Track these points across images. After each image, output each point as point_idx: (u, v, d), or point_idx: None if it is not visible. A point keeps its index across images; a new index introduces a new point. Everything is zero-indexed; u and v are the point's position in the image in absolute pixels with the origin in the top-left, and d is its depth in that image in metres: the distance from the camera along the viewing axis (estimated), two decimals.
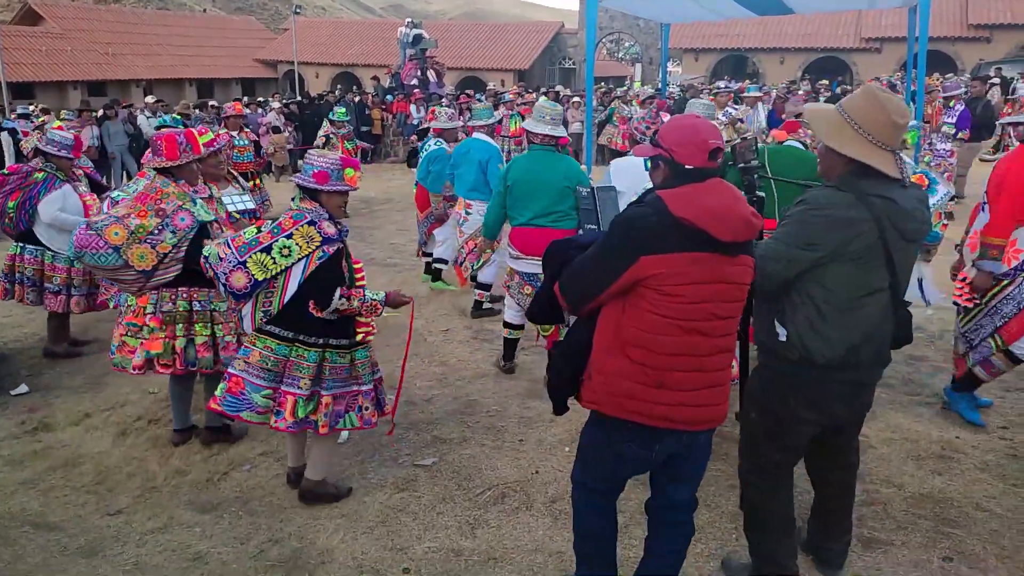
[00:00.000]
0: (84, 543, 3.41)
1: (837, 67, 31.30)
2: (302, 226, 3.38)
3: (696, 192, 2.26)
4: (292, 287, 3.38)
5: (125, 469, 4.12)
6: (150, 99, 16.08)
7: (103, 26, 29.96)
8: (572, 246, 2.54)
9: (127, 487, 3.95)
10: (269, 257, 3.34)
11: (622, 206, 2.75)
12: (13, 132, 11.27)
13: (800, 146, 4.56)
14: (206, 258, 3.44)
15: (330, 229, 3.40)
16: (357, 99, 19.19)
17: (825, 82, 21.53)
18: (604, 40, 37.30)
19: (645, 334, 2.30)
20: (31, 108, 14.68)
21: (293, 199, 3.52)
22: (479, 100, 17.82)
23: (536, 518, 3.52)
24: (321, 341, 3.50)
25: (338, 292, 3.42)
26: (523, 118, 16.46)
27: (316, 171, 3.43)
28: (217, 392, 3.55)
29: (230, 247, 3.40)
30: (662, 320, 2.28)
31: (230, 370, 3.54)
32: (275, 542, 3.42)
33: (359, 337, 3.58)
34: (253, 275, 3.34)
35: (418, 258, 7.89)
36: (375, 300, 3.50)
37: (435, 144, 7.23)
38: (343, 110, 11.45)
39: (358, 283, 3.57)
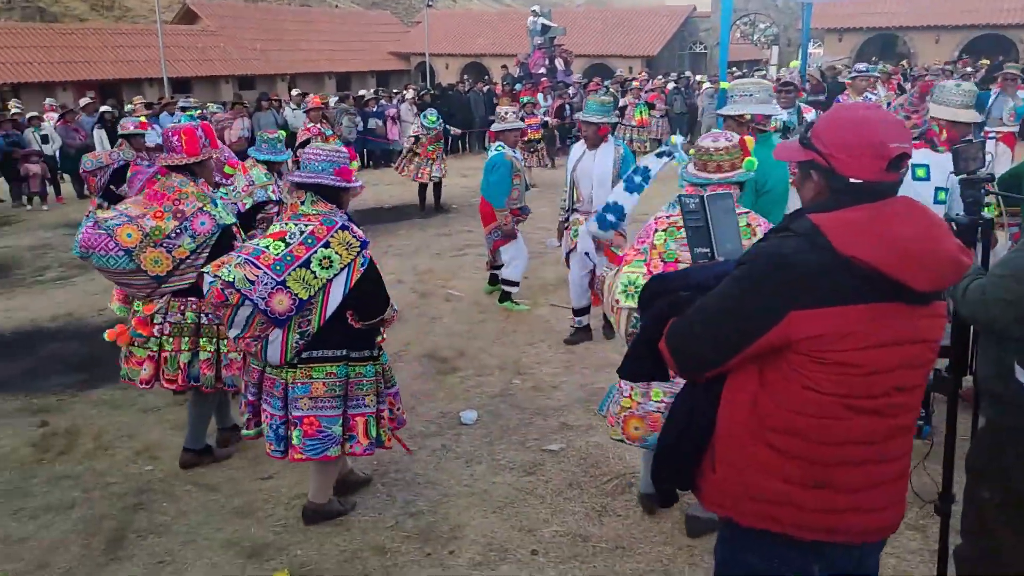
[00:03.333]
0: (239, 504, 3.69)
1: (1000, 46, 28.62)
2: (337, 232, 3.08)
3: (874, 219, 1.59)
4: (334, 301, 3.09)
5: None
6: (295, 92, 17.03)
7: (252, 23, 31.90)
8: (681, 282, 1.92)
9: None
10: (309, 272, 3.01)
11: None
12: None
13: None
14: (230, 283, 2.97)
15: (360, 232, 3.15)
16: (486, 88, 19.49)
17: (986, 62, 19.78)
18: (738, 22, 35.87)
19: (798, 417, 1.65)
20: (191, 100, 15.88)
21: (303, 203, 3.19)
22: (604, 88, 17.56)
23: (665, 510, 3.49)
24: (368, 353, 3.30)
25: (391, 308, 3.24)
26: (649, 106, 16.15)
27: (338, 168, 3.14)
28: (294, 441, 3.21)
29: (258, 266, 2.99)
30: (824, 399, 1.63)
31: (296, 413, 3.20)
32: (410, 515, 3.57)
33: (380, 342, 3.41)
34: (296, 295, 2.99)
35: (486, 271, 7.27)
36: (394, 309, 3.39)
37: (496, 149, 6.45)
38: (433, 117, 11.27)
39: None
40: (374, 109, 16.44)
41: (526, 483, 3.80)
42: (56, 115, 14.49)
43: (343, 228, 3.10)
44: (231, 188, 4.79)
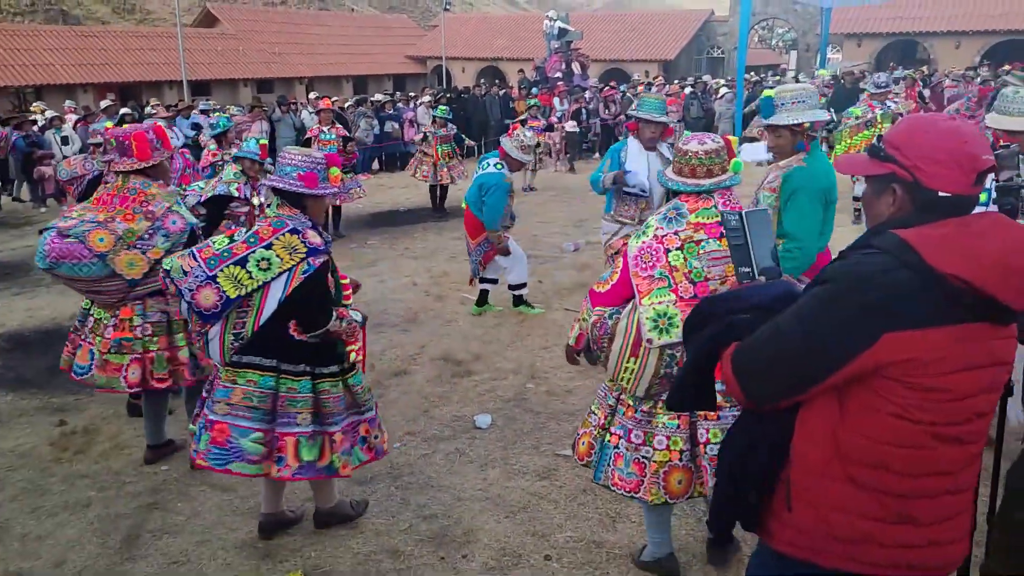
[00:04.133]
0: (253, 505, 3.69)
1: (1021, 52, 28.30)
2: (283, 235, 2.95)
3: (964, 233, 1.51)
4: (270, 306, 2.96)
5: None
6: (312, 95, 17.13)
7: (271, 27, 32.17)
8: (735, 304, 1.81)
9: None
10: (244, 271, 2.91)
11: None
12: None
13: None
14: (167, 271, 2.99)
15: (316, 239, 2.99)
16: (502, 92, 19.51)
17: (1007, 68, 19.55)
18: (756, 26, 35.72)
19: (884, 447, 1.56)
20: (211, 102, 16.01)
21: (269, 206, 3.12)
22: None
23: (679, 518, 3.46)
24: (307, 368, 3.09)
25: (335, 314, 3.07)
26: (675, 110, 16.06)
27: (303, 172, 3.01)
28: (200, 446, 3.09)
29: (196, 259, 2.97)
30: (912, 427, 1.53)
31: (211, 416, 3.07)
32: (423, 518, 3.57)
33: (351, 360, 3.24)
34: (225, 292, 2.90)
35: (470, 286, 6.77)
36: (355, 322, 3.18)
37: (496, 167, 6.00)
38: (444, 107, 11.31)
39: (344, 300, 3.22)
40: (390, 112, 16.51)
41: (540, 488, 3.79)
42: (75, 117, 14.65)
43: (292, 232, 2.96)
44: (202, 183, 4.97)
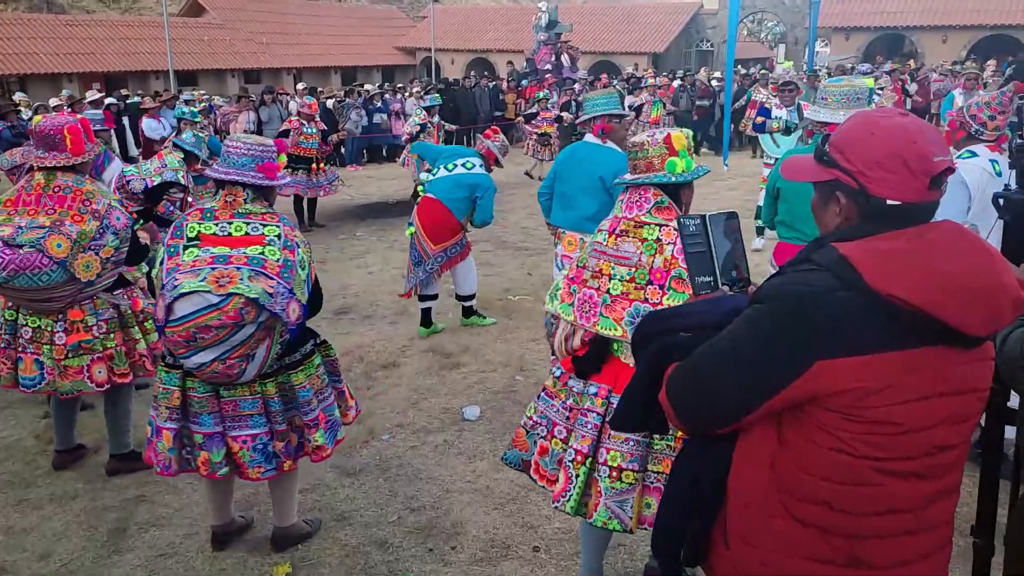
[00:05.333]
0: (239, 497, 3.67)
1: (1009, 47, 28.48)
2: (294, 232, 2.92)
3: (916, 248, 1.34)
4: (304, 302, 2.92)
5: None
6: (300, 86, 17.02)
7: (258, 16, 31.86)
8: (683, 320, 1.66)
9: None
10: (301, 275, 2.87)
11: None
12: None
13: None
14: (253, 299, 2.67)
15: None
16: (491, 84, 19.47)
17: (992, 63, 19.67)
18: (744, 20, 35.76)
19: (825, 483, 1.41)
20: (194, 94, 15.85)
21: (245, 200, 2.90)
22: (613, 84, 17.47)
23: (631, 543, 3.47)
24: (308, 350, 3.08)
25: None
26: (664, 104, 16.07)
27: (262, 164, 2.86)
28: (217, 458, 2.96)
29: (270, 276, 2.75)
30: (854, 462, 1.38)
31: (309, 417, 3.04)
32: (412, 510, 3.57)
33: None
34: (300, 301, 2.85)
35: (406, 298, 6.13)
36: None
37: (480, 167, 5.77)
38: (438, 95, 11.32)
39: None
40: (378, 104, 16.44)
41: (529, 480, 3.76)
42: (60, 104, 14.48)
43: (290, 226, 2.92)
44: (143, 165, 4.87)
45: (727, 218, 1.75)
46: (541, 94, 14.53)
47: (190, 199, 5.11)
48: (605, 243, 2.63)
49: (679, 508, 1.64)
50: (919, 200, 1.36)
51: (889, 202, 1.36)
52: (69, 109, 13.67)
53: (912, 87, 17.60)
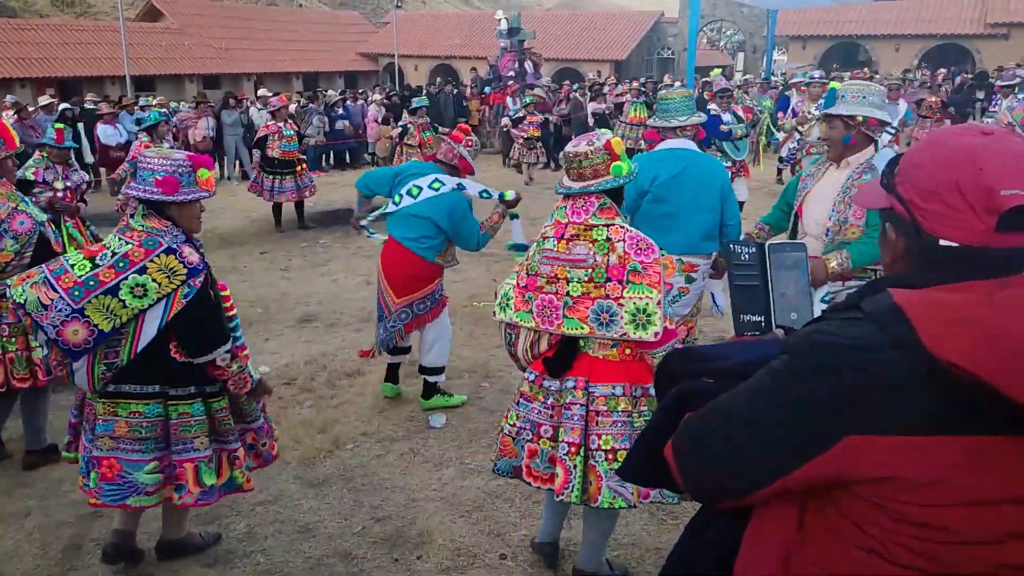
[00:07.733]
0: (200, 512, 3.60)
1: (958, 55, 29.38)
2: (158, 256, 2.65)
3: (987, 305, 1.01)
4: (148, 333, 2.68)
5: None
6: (260, 92, 16.80)
7: (217, 21, 31.44)
8: (710, 364, 1.36)
9: None
10: (116, 300, 2.59)
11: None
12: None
13: None
14: (20, 305, 2.62)
15: (193, 256, 2.72)
16: (455, 91, 19.45)
17: (943, 71, 20.25)
18: (704, 29, 36.32)
19: None
20: (152, 100, 15.56)
21: (132, 216, 2.78)
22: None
23: (634, 513, 3.49)
24: (196, 390, 2.82)
25: (225, 348, 2.81)
26: (648, 106, 16.10)
27: (160, 178, 2.69)
28: (90, 484, 2.82)
29: (55, 288, 2.59)
30: (893, 570, 1.07)
31: (95, 453, 2.79)
32: (377, 520, 3.53)
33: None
34: (96, 326, 2.58)
35: (369, 359, 4.92)
36: (248, 375, 2.90)
37: (458, 186, 4.41)
38: (424, 96, 11.55)
39: (228, 312, 2.93)
40: (339, 111, 16.32)
41: (495, 487, 3.78)
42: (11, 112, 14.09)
43: (168, 251, 2.66)
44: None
45: (791, 249, 1.45)
46: (529, 98, 14.59)
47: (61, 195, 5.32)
48: (556, 249, 2.74)
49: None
50: (981, 244, 1.06)
51: (942, 242, 1.09)
52: (16, 115, 13.30)
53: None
